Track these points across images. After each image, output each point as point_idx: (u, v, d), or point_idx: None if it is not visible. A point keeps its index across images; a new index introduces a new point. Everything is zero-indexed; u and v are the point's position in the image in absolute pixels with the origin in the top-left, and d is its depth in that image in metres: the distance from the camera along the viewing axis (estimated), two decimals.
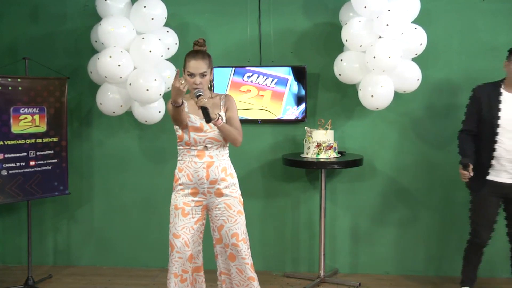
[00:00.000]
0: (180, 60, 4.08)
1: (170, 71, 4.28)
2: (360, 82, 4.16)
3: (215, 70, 4.43)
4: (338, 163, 4.15)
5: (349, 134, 4.53)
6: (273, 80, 4.50)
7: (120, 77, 4.04)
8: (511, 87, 3.58)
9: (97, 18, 4.25)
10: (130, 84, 4.04)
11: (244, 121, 4.45)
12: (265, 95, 4.51)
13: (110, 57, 3.98)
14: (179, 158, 3.27)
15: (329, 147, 4.17)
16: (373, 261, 4.58)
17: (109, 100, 4.22)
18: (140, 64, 4.10)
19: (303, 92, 4.47)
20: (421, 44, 4.04)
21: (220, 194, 3.22)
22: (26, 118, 4.11)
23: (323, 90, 4.54)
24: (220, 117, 3.11)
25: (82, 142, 4.73)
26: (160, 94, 4.09)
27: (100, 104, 4.26)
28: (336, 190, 4.58)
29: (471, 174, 3.57)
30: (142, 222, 4.74)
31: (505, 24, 4.35)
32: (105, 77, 4.06)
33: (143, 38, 4.04)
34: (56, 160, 4.28)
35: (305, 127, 4.30)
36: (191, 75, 3.13)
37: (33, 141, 4.16)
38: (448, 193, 4.44)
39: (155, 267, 4.71)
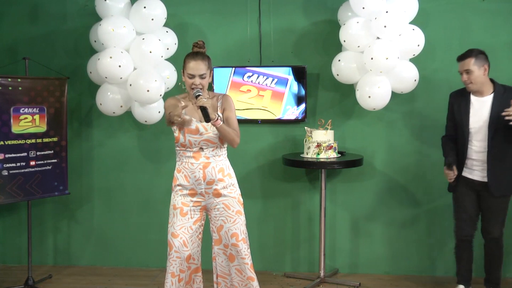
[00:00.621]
0: (178, 60, 4.09)
1: (170, 71, 4.29)
2: (357, 82, 4.17)
3: (215, 70, 4.43)
4: (338, 163, 4.16)
5: (349, 134, 4.53)
6: (273, 80, 4.50)
7: (121, 78, 4.04)
8: (478, 92, 3.71)
9: (97, 18, 4.25)
10: (130, 85, 4.04)
11: (244, 121, 4.47)
12: (265, 95, 4.51)
13: (111, 57, 3.98)
14: (177, 159, 3.28)
15: (329, 147, 4.17)
16: (373, 261, 4.58)
17: (109, 101, 4.22)
18: (140, 65, 4.10)
19: (303, 92, 4.47)
20: (418, 45, 4.06)
21: (218, 194, 3.22)
22: (26, 118, 4.12)
23: (323, 90, 4.54)
24: (219, 117, 3.11)
25: (82, 142, 4.73)
26: (160, 95, 4.09)
27: (100, 104, 4.26)
28: (336, 190, 4.58)
29: (455, 173, 3.73)
30: (142, 222, 4.74)
31: (504, 24, 4.35)
32: (106, 77, 4.06)
33: (143, 39, 4.04)
34: (56, 160, 4.28)
35: (305, 127, 4.31)
36: (191, 76, 3.14)
37: (33, 141, 4.16)
38: (447, 193, 4.43)
39: (155, 267, 4.71)
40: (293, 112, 4.49)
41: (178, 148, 3.24)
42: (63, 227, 4.81)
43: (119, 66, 3.99)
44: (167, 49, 4.24)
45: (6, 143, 4.03)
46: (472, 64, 3.61)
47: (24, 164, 4.11)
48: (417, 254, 4.53)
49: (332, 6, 4.43)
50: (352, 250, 4.61)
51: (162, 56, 4.12)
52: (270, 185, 4.64)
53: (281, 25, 4.54)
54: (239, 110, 4.39)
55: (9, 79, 4.05)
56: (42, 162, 4.21)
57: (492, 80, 3.70)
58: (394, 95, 4.18)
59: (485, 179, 3.67)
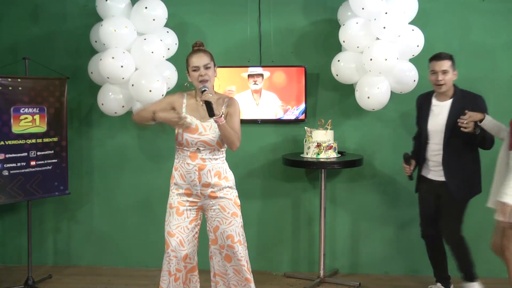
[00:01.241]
0: (179, 60, 4.10)
1: (170, 71, 4.29)
2: (357, 83, 4.17)
3: None
4: (338, 163, 4.16)
5: (349, 134, 4.54)
6: None
7: (123, 78, 4.05)
8: (439, 95, 3.78)
9: (97, 18, 4.25)
10: (132, 85, 4.04)
11: (244, 121, 4.46)
12: None
13: (113, 58, 3.98)
14: (175, 156, 3.27)
15: (329, 147, 4.18)
16: (373, 261, 4.59)
17: (111, 101, 4.23)
18: (142, 65, 4.10)
19: (303, 92, 4.47)
20: (418, 46, 4.08)
21: (214, 196, 3.20)
22: (26, 118, 4.12)
23: (323, 90, 4.55)
24: (223, 115, 3.09)
25: (82, 142, 4.73)
26: (162, 95, 4.09)
27: (102, 104, 4.26)
28: (336, 190, 4.59)
29: (412, 168, 3.85)
30: (142, 222, 4.74)
31: (504, 24, 4.36)
32: (108, 78, 4.06)
33: (145, 39, 4.04)
34: (56, 160, 4.29)
35: (305, 127, 4.31)
36: (195, 69, 3.14)
37: (33, 141, 4.16)
38: None
39: (155, 267, 4.69)
40: (293, 112, 4.50)
41: (177, 146, 3.23)
42: (63, 227, 4.81)
43: (121, 66, 3.99)
44: (168, 49, 4.24)
45: (6, 143, 4.02)
46: (449, 65, 3.67)
47: (24, 164, 4.11)
48: (417, 254, 4.53)
49: (332, 6, 4.43)
50: (352, 250, 4.61)
51: (163, 56, 4.13)
52: (270, 185, 4.64)
53: (281, 25, 4.55)
54: None
55: (9, 79, 4.05)
56: (43, 162, 4.21)
57: (453, 85, 3.76)
58: (393, 95, 4.18)
59: (442, 178, 3.73)
